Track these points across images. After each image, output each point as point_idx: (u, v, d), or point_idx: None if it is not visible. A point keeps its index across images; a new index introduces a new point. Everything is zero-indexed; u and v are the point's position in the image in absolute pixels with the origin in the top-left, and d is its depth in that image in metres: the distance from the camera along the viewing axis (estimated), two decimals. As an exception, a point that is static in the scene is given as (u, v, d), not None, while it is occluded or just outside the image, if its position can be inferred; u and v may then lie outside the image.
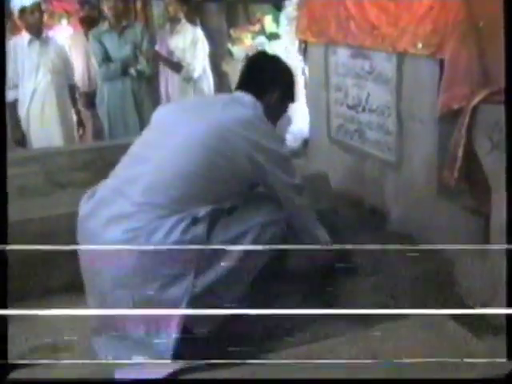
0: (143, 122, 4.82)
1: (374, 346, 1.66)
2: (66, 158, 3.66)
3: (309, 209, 2.43)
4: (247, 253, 2.12)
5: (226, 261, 2.07)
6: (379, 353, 1.60)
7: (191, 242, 1.99)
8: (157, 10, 6.74)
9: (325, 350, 1.71)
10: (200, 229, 2.02)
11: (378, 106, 3.20)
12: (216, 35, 6.46)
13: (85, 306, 2.22)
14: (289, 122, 5.42)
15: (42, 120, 4.81)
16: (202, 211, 2.04)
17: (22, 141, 4.78)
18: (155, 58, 5.36)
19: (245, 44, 6.66)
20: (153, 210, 2.00)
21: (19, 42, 4.71)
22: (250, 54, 2.61)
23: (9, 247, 1.51)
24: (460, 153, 2.41)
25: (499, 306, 1.80)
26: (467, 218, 2.61)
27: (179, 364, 1.78)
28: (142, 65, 5.01)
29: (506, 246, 1.61)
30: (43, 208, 2.86)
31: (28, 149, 4.73)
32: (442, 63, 2.62)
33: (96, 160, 3.58)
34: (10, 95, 4.64)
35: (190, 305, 1.98)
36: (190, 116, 2.23)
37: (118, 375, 1.79)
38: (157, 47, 5.55)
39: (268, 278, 2.30)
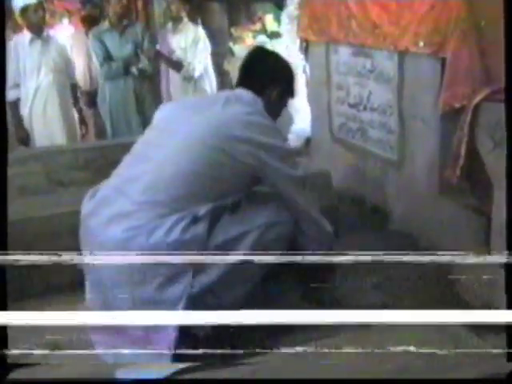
0: (145, 121, 4.81)
1: (373, 344, 1.66)
2: (67, 156, 3.66)
3: (312, 200, 2.42)
4: (252, 249, 2.12)
5: (227, 262, 2.07)
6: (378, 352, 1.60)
7: (191, 241, 1.99)
8: (158, 9, 6.73)
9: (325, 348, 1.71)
10: (200, 227, 2.02)
11: (380, 104, 3.20)
12: (217, 34, 6.46)
13: (87, 305, 2.22)
14: (291, 120, 5.42)
15: (44, 119, 4.81)
16: (203, 210, 2.04)
17: (26, 140, 4.78)
18: (156, 57, 5.36)
19: (246, 43, 6.66)
20: (153, 208, 2.01)
21: (21, 41, 4.70)
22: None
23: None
24: (462, 151, 2.40)
25: (500, 305, 1.79)
26: (469, 216, 2.61)
27: (179, 364, 1.77)
28: (144, 64, 5.01)
29: (505, 258, 1.61)
30: (44, 207, 2.86)
31: (31, 148, 4.74)
32: (443, 62, 2.62)
33: (97, 159, 3.58)
34: (12, 94, 4.64)
35: (189, 305, 1.98)
36: (191, 114, 2.23)
37: (120, 375, 1.79)
38: (158, 46, 5.55)
39: (268, 279, 2.29)
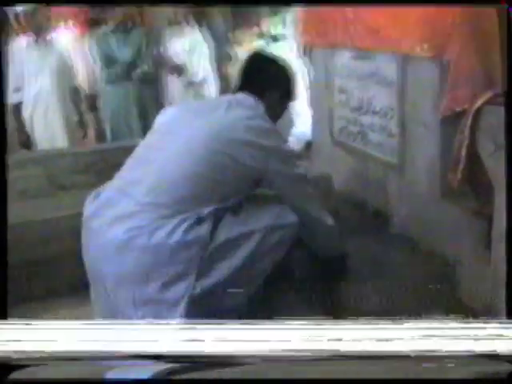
0: (146, 125, 4.83)
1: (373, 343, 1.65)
2: (68, 160, 3.66)
3: (314, 196, 2.45)
4: (251, 255, 2.13)
5: (231, 262, 2.08)
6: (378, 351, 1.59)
7: (194, 242, 2.01)
8: (159, 14, 6.74)
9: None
10: (204, 228, 2.04)
11: (381, 108, 3.20)
12: (218, 38, 6.46)
13: (87, 308, 2.22)
14: (291, 124, 5.42)
15: (45, 122, 4.83)
16: (206, 211, 2.06)
17: (27, 143, 4.79)
18: (157, 62, 5.37)
19: (247, 47, 6.65)
20: (156, 209, 2.02)
21: (22, 45, 4.71)
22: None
23: None
24: (463, 155, 2.40)
25: (501, 307, 1.79)
26: (470, 219, 2.61)
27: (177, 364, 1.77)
28: (146, 68, 5.02)
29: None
30: (45, 210, 2.86)
31: (32, 151, 4.74)
32: (445, 65, 2.62)
33: (98, 162, 3.58)
34: (14, 98, 4.66)
35: (189, 307, 1.99)
36: (194, 118, 2.25)
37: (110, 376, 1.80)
38: (159, 50, 5.56)
39: (270, 283, 2.29)
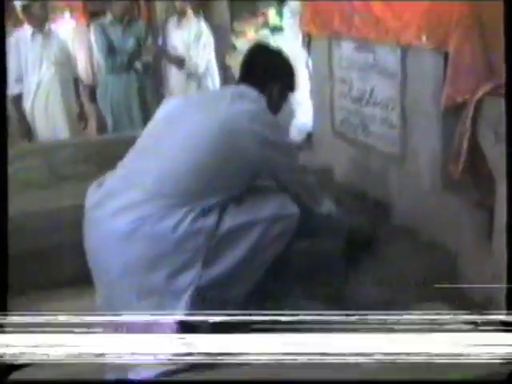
0: (147, 116, 4.82)
1: (373, 339, 1.65)
2: (69, 151, 3.66)
3: (315, 186, 2.50)
4: (255, 245, 2.14)
5: (235, 252, 2.09)
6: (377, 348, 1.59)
7: (200, 232, 2.02)
8: (160, 4, 6.72)
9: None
10: (210, 219, 2.06)
11: (382, 99, 3.19)
12: (219, 28, 6.44)
13: (88, 299, 2.23)
14: (292, 115, 5.41)
15: (46, 113, 4.82)
16: (212, 201, 2.08)
17: (28, 134, 4.79)
18: (158, 54, 5.36)
19: (248, 37, 6.64)
20: (162, 199, 2.03)
21: (22, 36, 4.71)
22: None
23: None
24: (464, 146, 2.40)
25: (502, 298, 1.79)
26: (471, 211, 2.61)
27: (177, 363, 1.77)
28: (147, 59, 5.01)
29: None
30: (47, 201, 2.86)
31: (33, 142, 4.74)
32: (446, 56, 2.61)
33: (99, 153, 3.58)
34: (14, 89, 4.65)
35: (194, 297, 2.00)
36: (198, 109, 2.26)
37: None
38: (160, 42, 5.55)
39: (273, 274, 2.29)
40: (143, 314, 1.95)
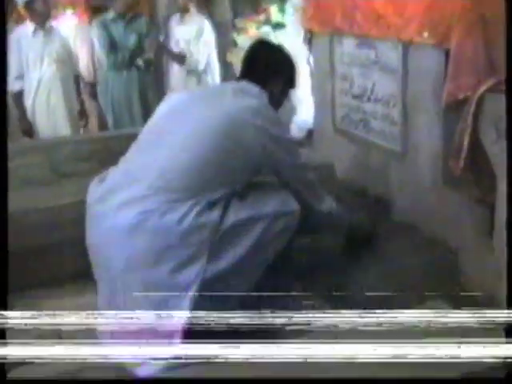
0: (147, 113, 4.82)
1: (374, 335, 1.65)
2: (70, 147, 3.66)
3: (316, 185, 2.49)
4: (258, 241, 2.14)
5: (238, 247, 2.10)
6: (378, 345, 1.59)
7: (205, 226, 2.03)
8: (162, 1, 6.71)
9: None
10: (215, 213, 2.06)
11: (384, 95, 3.19)
12: (221, 25, 6.44)
13: (89, 296, 2.23)
14: (293, 111, 5.41)
15: (48, 110, 4.82)
16: (216, 195, 2.09)
17: (29, 131, 4.79)
18: (159, 50, 5.36)
19: (250, 34, 6.63)
20: (167, 193, 2.04)
21: (24, 32, 4.70)
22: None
23: None
24: (465, 142, 2.40)
25: (503, 295, 1.79)
26: (472, 207, 2.61)
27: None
28: (148, 56, 5.01)
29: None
30: (48, 198, 2.86)
31: (34, 139, 4.74)
32: (447, 52, 2.61)
33: (101, 150, 3.58)
34: (15, 85, 4.65)
35: (199, 290, 2.00)
36: (201, 104, 2.27)
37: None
38: (162, 38, 5.54)
39: (275, 269, 2.30)
40: (142, 314, 1.95)
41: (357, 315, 1.62)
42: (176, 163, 2.09)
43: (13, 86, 4.61)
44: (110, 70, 5.04)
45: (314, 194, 2.46)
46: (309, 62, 4.16)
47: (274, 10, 6.70)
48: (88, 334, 1.76)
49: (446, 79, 2.60)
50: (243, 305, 1.97)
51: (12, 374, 1.52)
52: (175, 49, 5.49)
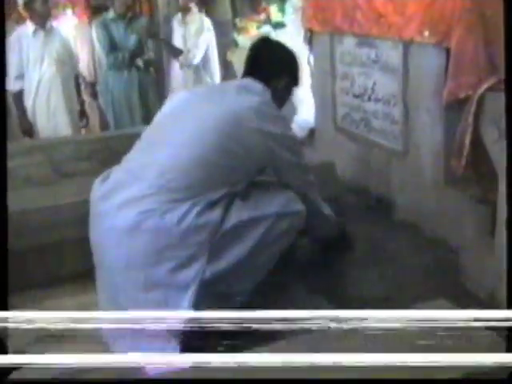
0: (147, 113, 4.83)
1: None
2: (71, 147, 3.66)
3: (315, 186, 2.47)
4: (261, 241, 2.13)
5: (240, 248, 2.09)
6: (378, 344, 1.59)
7: (205, 226, 2.02)
8: (162, 1, 6.72)
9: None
10: (215, 213, 2.05)
11: (384, 94, 3.19)
12: (221, 24, 6.44)
13: (90, 294, 2.23)
14: (294, 111, 5.40)
15: (48, 110, 4.81)
16: (217, 195, 2.07)
17: (30, 131, 4.79)
18: (157, 41, 5.36)
19: (250, 33, 6.64)
20: (168, 193, 2.03)
21: (24, 32, 4.70)
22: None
23: None
24: (467, 141, 2.39)
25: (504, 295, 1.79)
26: (474, 206, 2.60)
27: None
28: (148, 55, 5.01)
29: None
30: (49, 198, 2.86)
31: (35, 139, 4.74)
32: (448, 51, 2.61)
33: (101, 150, 3.58)
34: (16, 85, 4.65)
35: (199, 291, 1.99)
36: (204, 103, 2.26)
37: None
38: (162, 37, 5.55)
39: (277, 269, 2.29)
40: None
41: (357, 316, 1.61)
42: (177, 162, 2.09)
43: (13, 85, 4.60)
44: (110, 70, 5.04)
45: (316, 195, 2.45)
46: (309, 62, 4.16)
47: (274, 10, 6.70)
48: (88, 334, 1.75)
49: (446, 78, 2.60)
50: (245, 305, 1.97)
51: (12, 376, 1.52)
52: (171, 42, 5.50)
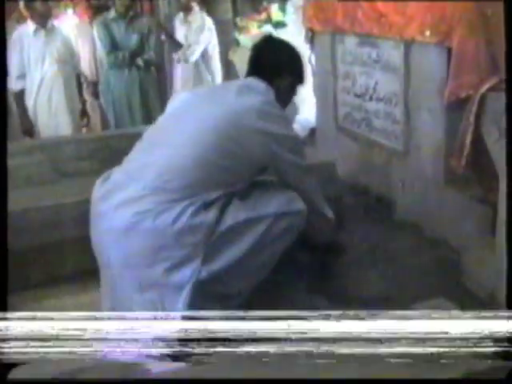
0: (148, 112, 4.83)
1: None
2: (72, 147, 3.66)
3: (317, 187, 2.44)
4: (259, 241, 2.13)
5: (237, 248, 2.08)
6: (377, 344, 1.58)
7: (200, 227, 2.01)
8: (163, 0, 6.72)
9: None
10: (210, 214, 2.04)
11: (386, 94, 3.19)
12: (223, 24, 6.44)
13: (90, 294, 2.23)
14: (296, 110, 5.40)
15: (49, 109, 4.81)
16: (213, 196, 2.06)
17: (31, 130, 4.79)
18: (158, 30, 5.36)
19: (251, 33, 6.64)
20: (164, 193, 2.03)
21: (25, 32, 4.70)
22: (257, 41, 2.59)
23: None
24: (467, 141, 2.39)
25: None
26: (474, 206, 2.60)
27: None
28: (150, 55, 5.01)
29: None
30: (49, 197, 2.86)
31: (36, 138, 4.74)
32: (449, 51, 2.61)
33: (102, 149, 3.58)
34: (17, 85, 4.65)
35: (194, 291, 1.99)
36: (205, 103, 2.25)
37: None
38: (163, 37, 5.55)
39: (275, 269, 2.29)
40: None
41: (357, 316, 1.60)
42: (174, 163, 2.08)
43: (14, 85, 4.61)
44: (111, 69, 5.04)
45: (318, 196, 2.44)
46: (310, 61, 4.15)
47: (275, 9, 6.71)
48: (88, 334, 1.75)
49: (448, 78, 2.59)
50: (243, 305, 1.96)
51: (12, 375, 1.52)
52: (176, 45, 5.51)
